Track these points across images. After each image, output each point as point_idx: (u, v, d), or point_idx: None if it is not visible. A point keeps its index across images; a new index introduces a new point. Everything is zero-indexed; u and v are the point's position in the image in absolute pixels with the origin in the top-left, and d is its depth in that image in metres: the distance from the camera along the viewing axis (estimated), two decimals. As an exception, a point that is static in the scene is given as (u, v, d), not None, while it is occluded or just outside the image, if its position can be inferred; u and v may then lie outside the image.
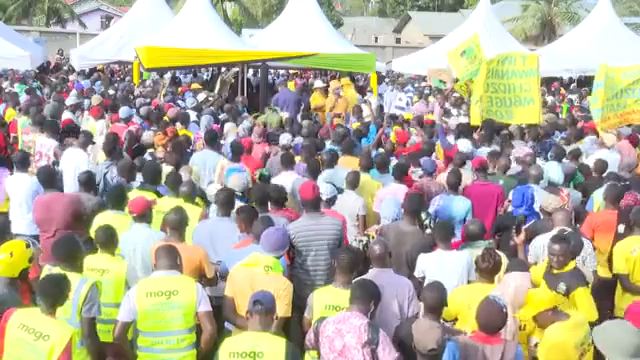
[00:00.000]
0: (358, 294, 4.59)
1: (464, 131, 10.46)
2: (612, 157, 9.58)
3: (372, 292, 4.65)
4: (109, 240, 5.56)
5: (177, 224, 5.81)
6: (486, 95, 11.25)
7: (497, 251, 5.77)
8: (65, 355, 4.29)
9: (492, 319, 4.41)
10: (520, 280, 4.99)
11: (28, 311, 4.49)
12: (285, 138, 9.56)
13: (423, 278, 5.82)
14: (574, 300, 5.31)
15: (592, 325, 4.51)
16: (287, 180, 7.81)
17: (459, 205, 7.37)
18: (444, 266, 5.78)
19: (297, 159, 8.66)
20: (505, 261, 5.86)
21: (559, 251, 5.42)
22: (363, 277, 5.13)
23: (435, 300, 4.77)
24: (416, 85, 21.16)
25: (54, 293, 4.43)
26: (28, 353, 4.32)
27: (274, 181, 7.74)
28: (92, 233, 6.22)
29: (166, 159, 8.49)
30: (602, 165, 8.83)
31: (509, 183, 8.12)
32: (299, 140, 10.01)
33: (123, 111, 11.23)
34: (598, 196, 7.69)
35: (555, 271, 5.46)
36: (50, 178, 7.26)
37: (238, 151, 8.72)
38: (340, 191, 7.18)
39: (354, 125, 11.92)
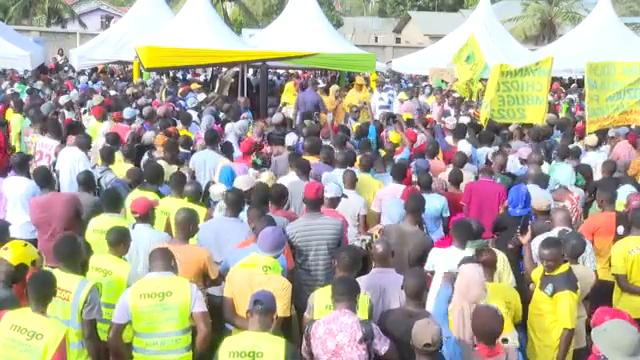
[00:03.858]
0: (342, 291, 4.61)
1: (461, 132, 10.49)
2: (601, 157, 9.57)
3: (354, 287, 4.69)
4: (119, 241, 5.52)
5: (186, 223, 5.77)
6: (497, 95, 11.22)
7: (495, 249, 5.80)
8: (59, 353, 4.28)
9: (489, 325, 4.39)
10: (470, 272, 4.98)
11: (19, 312, 4.46)
12: (291, 139, 9.58)
13: (432, 272, 5.84)
14: (556, 302, 5.32)
15: (590, 328, 4.50)
16: (291, 180, 7.81)
17: (434, 202, 7.46)
18: (453, 264, 5.78)
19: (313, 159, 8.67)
20: (504, 259, 5.89)
21: (548, 256, 5.42)
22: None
23: (415, 286, 4.82)
24: (410, 85, 21.16)
25: (42, 290, 4.42)
26: (22, 354, 4.30)
27: (281, 181, 7.76)
28: (86, 236, 6.18)
29: (167, 158, 8.52)
30: (612, 166, 8.82)
31: (505, 181, 8.17)
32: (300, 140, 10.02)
33: (127, 112, 11.24)
34: (622, 196, 7.58)
35: (547, 273, 5.48)
36: (46, 178, 7.23)
37: (228, 151, 8.83)
38: (344, 196, 7.16)
39: (353, 125, 11.95)
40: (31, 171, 8.17)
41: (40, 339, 4.28)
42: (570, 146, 10.02)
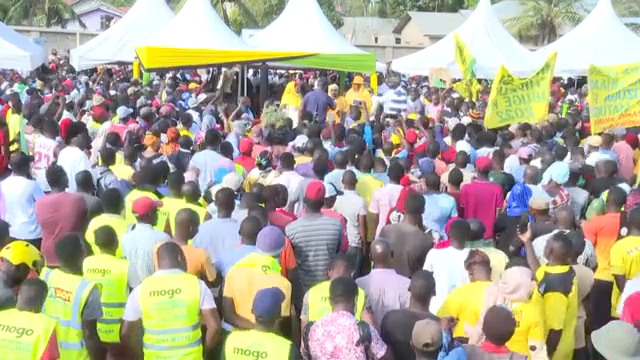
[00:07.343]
0: (340, 291, 4.58)
1: (460, 132, 10.48)
2: (605, 158, 9.56)
3: (353, 288, 4.68)
4: (110, 240, 5.55)
5: (186, 223, 5.76)
6: (503, 97, 11.16)
7: (496, 249, 5.77)
8: (51, 346, 4.28)
9: (501, 327, 4.34)
10: (519, 276, 4.98)
11: (5, 312, 4.45)
12: (301, 140, 9.55)
13: (431, 273, 5.82)
14: (545, 301, 5.31)
15: (590, 328, 4.50)
16: (286, 180, 7.82)
17: (444, 202, 7.45)
18: (451, 264, 5.79)
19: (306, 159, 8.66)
20: (505, 259, 5.88)
21: (560, 249, 5.44)
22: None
23: (423, 288, 4.79)
24: (409, 86, 21.14)
25: (34, 297, 4.43)
26: (13, 352, 4.28)
27: (280, 180, 7.76)
28: (87, 237, 6.17)
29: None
30: (611, 166, 8.79)
31: (499, 180, 8.15)
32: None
33: (121, 111, 11.23)
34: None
35: (546, 270, 5.47)
36: (57, 178, 7.19)
37: (227, 151, 8.88)
38: (340, 193, 7.19)
39: (351, 126, 11.95)
40: (31, 172, 8.18)
41: (30, 334, 4.28)
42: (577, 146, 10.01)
